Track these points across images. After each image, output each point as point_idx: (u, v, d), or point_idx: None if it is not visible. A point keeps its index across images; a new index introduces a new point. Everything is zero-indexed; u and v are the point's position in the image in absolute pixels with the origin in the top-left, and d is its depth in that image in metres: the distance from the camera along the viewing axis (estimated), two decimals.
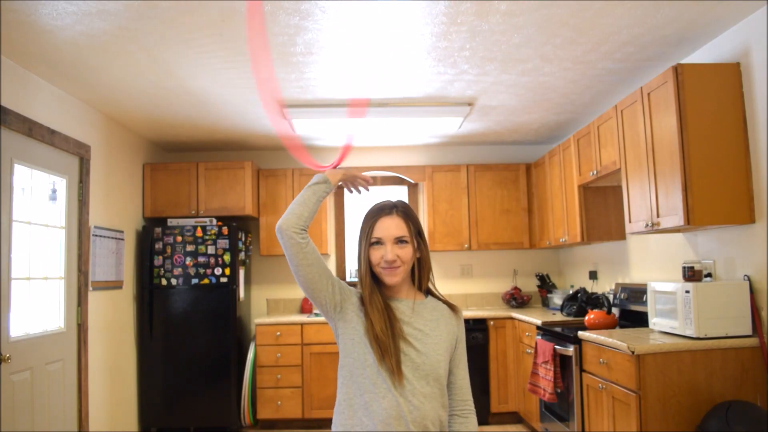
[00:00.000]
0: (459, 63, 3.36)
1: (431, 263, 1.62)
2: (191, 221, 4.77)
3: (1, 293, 3.00)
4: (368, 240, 1.53)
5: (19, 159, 3.18)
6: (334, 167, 1.65)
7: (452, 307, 1.60)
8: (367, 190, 1.68)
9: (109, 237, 4.17)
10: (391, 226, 1.51)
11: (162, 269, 4.67)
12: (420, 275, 1.57)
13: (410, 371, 1.45)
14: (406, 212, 1.55)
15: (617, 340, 2.86)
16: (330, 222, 5.49)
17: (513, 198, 5.28)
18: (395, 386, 1.43)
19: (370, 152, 5.56)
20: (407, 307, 1.54)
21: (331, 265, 5.52)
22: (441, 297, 1.62)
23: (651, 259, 3.76)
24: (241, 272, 4.88)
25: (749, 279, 2.80)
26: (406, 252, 1.51)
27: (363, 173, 1.66)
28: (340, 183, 1.62)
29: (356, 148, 5.54)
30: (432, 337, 1.50)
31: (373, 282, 1.54)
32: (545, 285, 5.29)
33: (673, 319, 2.92)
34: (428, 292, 1.62)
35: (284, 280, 5.48)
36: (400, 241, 1.51)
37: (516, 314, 4.68)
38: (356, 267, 1.57)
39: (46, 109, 3.44)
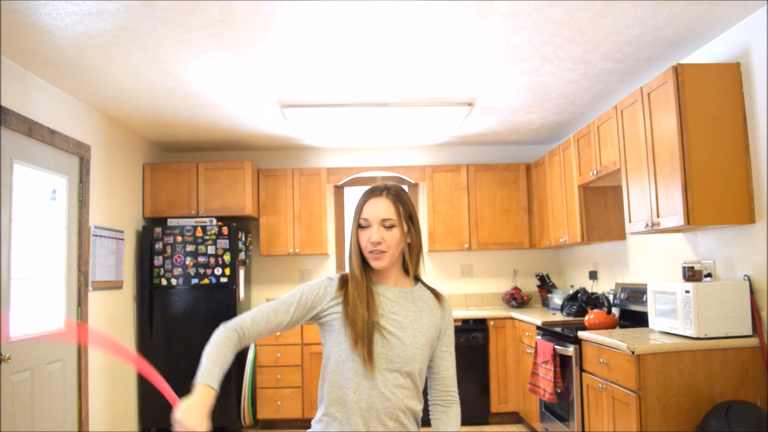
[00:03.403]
0: (459, 63, 3.36)
1: (421, 249, 1.58)
2: (191, 221, 4.77)
3: (1, 293, 3.00)
4: (356, 221, 1.52)
5: (19, 159, 3.18)
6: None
7: (438, 297, 1.58)
8: None
9: (109, 237, 4.17)
10: (379, 208, 1.48)
11: (162, 269, 4.67)
12: (409, 261, 1.54)
13: (384, 362, 1.44)
14: (397, 195, 1.51)
15: (617, 340, 2.86)
16: (330, 222, 5.49)
17: (513, 198, 5.28)
18: (367, 377, 1.43)
19: (370, 152, 5.56)
20: (392, 295, 1.51)
21: (331, 264, 5.52)
22: (428, 286, 1.60)
23: (651, 259, 3.76)
24: (241, 272, 4.88)
25: (749, 279, 2.80)
26: (393, 236, 1.48)
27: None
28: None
29: (357, 149, 5.54)
30: (411, 330, 1.48)
31: (362, 266, 1.52)
32: (545, 285, 5.29)
33: (673, 319, 2.92)
34: (417, 279, 1.60)
35: (284, 280, 5.48)
36: (386, 225, 1.48)
37: (516, 314, 4.68)
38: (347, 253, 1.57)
39: (46, 109, 3.44)
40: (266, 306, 1.51)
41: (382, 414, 1.43)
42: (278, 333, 1.52)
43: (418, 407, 1.50)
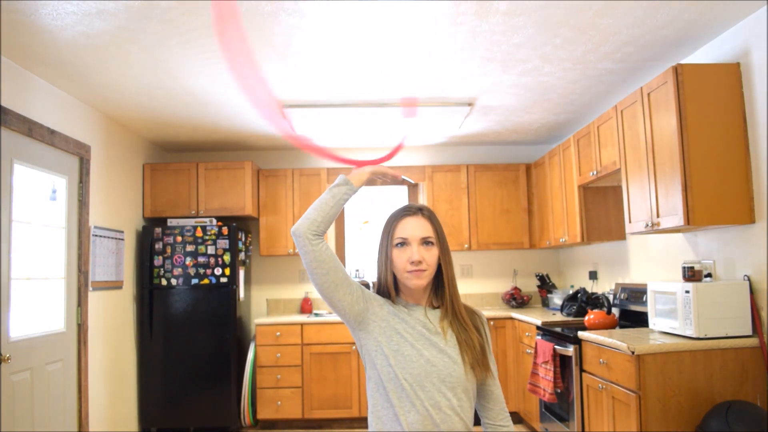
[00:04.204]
0: (459, 63, 3.36)
1: (452, 269, 1.51)
2: (191, 221, 4.77)
3: (1, 293, 3.00)
4: (391, 241, 1.47)
5: (19, 159, 3.18)
6: (361, 165, 1.55)
7: (474, 313, 1.53)
8: (399, 179, 1.62)
9: (109, 237, 4.17)
10: (416, 226, 1.46)
11: (162, 269, 4.67)
12: (444, 291, 1.48)
13: (438, 382, 1.39)
14: (432, 214, 1.51)
15: (617, 340, 2.85)
16: None
17: (513, 198, 5.28)
18: (422, 398, 1.38)
19: (370, 152, 5.55)
20: (433, 316, 1.47)
21: None
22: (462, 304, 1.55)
23: (651, 259, 3.76)
24: (241, 272, 4.88)
25: (749, 279, 2.80)
26: (432, 254, 1.45)
27: (391, 169, 1.58)
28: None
29: (357, 149, 5.54)
30: (458, 347, 1.44)
31: (394, 290, 1.49)
32: (545, 285, 5.29)
33: (673, 319, 2.92)
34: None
35: (284, 280, 5.48)
36: (426, 242, 1.45)
37: (516, 314, 4.68)
38: (376, 274, 1.52)
39: (46, 109, 3.44)
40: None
41: None
42: (328, 293, 1.44)
43: (472, 427, 1.45)
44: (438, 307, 1.50)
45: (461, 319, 1.47)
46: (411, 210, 1.50)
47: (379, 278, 1.51)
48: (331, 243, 5.51)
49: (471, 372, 1.43)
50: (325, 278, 1.42)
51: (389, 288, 1.49)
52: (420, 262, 1.44)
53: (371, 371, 1.45)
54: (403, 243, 1.46)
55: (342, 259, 5.62)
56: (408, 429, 1.37)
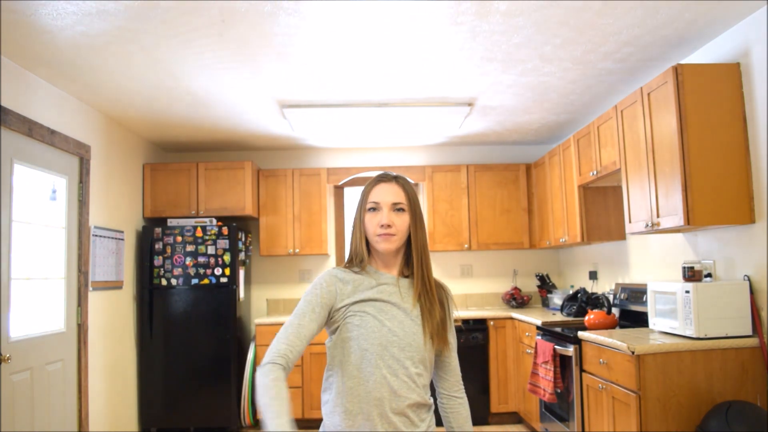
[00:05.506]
0: (459, 63, 3.36)
1: (426, 244, 1.55)
2: (191, 221, 4.77)
3: (1, 293, 3.00)
4: (364, 205, 1.52)
5: (19, 159, 3.18)
6: None
7: (440, 287, 1.56)
8: None
9: (109, 237, 4.17)
10: (389, 192, 1.50)
11: (162, 269, 4.67)
12: (414, 259, 1.51)
13: (397, 351, 1.42)
14: (406, 183, 1.54)
15: (617, 340, 2.86)
16: (330, 222, 5.49)
17: (513, 198, 5.28)
18: (381, 366, 1.41)
19: (370, 152, 5.56)
20: (402, 286, 1.51)
21: (331, 265, 5.52)
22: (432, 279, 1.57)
23: (651, 259, 3.76)
24: (241, 272, 4.88)
25: (749, 279, 2.80)
26: (403, 220, 1.50)
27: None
28: None
29: (357, 149, 5.55)
30: (419, 318, 1.47)
31: (366, 255, 1.53)
32: (545, 285, 5.29)
33: (673, 319, 2.92)
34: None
35: (284, 280, 5.48)
36: (397, 208, 1.50)
37: (516, 314, 4.68)
38: (350, 238, 1.57)
39: (46, 109, 3.44)
40: (291, 323, 1.46)
41: (394, 403, 1.40)
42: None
43: (428, 396, 1.48)
44: (408, 276, 1.54)
45: (429, 289, 1.51)
46: (386, 177, 1.54)
47: (352, 243, 1.55)
48: (331, 241, 5.51)
49: (429, 342, 1.47)
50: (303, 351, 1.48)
51: (363, 253, 1.53)
52: (390, 226, 1.47)
53: (335, 350, 1.49)
54: (375, 208, 1.50)
55: (342, 259, 5.61)
56: (365, 396, 1.41)
